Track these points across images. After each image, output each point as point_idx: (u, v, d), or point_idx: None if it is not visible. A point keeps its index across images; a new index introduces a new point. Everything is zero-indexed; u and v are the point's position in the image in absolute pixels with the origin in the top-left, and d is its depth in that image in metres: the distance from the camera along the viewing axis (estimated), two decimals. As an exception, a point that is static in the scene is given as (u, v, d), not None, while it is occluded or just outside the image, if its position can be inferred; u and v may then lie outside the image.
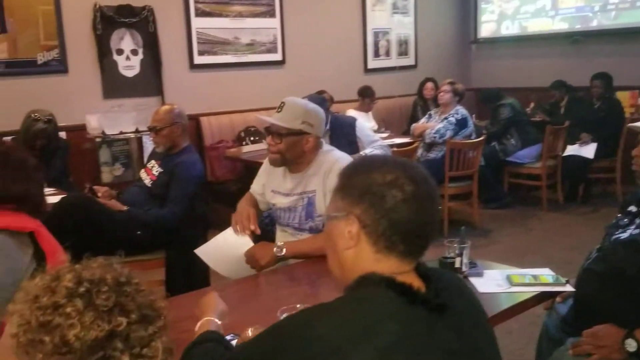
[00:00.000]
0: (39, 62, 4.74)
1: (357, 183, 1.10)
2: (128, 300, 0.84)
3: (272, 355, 1.00)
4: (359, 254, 1.08)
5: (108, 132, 4.84)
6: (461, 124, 5.08)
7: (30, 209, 1.68)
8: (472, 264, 2.03)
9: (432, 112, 5.53)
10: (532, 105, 6.51)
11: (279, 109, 2.31)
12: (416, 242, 1.08)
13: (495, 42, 7.53)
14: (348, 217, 1.09)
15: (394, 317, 0.98)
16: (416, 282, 1.06)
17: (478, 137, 5.14)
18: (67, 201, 2.89)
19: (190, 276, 3.09)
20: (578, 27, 6.75)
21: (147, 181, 3.28)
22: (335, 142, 4.01)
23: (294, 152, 2.31)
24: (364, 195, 1.07)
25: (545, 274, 2.00)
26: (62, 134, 4.49)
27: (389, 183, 1.06)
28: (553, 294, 1.98)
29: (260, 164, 2.60)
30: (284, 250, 2.23)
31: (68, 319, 0.79)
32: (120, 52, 5.11)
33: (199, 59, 5.50)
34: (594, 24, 6.65)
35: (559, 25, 6.92)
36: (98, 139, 4.82)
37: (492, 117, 5.95)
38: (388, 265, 1.06)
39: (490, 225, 5.15)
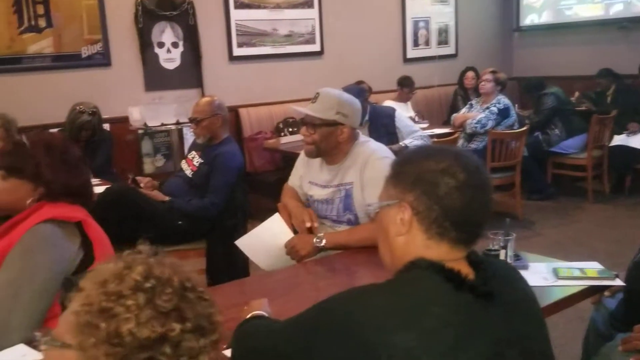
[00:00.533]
0: (83, 55, 4.84)
1: (409, 171, 1.11)
2: (188, 307, 0.83)
3: (317, 328, 1.03)
4: (411, 241, 1.10)
5: (150, 123, 4.92)
6: (503, 113, 4.98)
7: (83, 201, 1.71)
8: (517, 257, 1.98)
9: (473, 101, 5.43)
10: (576, 94, 6.32)
11: (314, 100, 2.31)
12: (468, 230, 1.09)
13: (538, 29, 7.34)
14: (400, 204, 1.10)
15: (439, 302, 0.99)
16: (465, 270, 1.05)
17: (521, 127, 5.03)
18: (111, 192, 2.95)
19: (231, 265, 3.12)
20: (625, 13, 6.51)
21: (188, 172, 3.32)
22: (375, 132, 3.98)
23: (328, 143, 2.30)
24: (417, 183, 1.08)
25: (593, 267, 1.94)
26: (106, 126, 4.58)
27: (441, 170, 1.07)
28: (601, 288, 1.92)
29: (298, 155, 2.60)
30: (324, 241, 2.22)
31: (127, 312, 0.79)
32: (161, 45, 5.17)
33: (238, 51, 5.53)
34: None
35: (605, 11, 6.69)
36: (140, 131, 4.90)
37: (536, 106, 5.81)
38: (439, 252, 1.07)
39: (533, 217, 5.04)
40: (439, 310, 0.97)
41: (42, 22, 4.64)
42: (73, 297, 0.84)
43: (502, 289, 1.06)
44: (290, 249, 2.25)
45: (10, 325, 1.48)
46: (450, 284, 1.01)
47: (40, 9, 4.62)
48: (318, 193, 2.42)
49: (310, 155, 2.37)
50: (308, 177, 2.47)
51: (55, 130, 4.05)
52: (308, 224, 2.31)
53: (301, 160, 2.54)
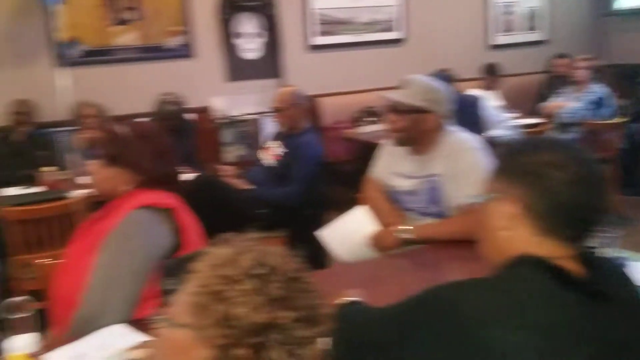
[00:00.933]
0: (167, 47, 4.96)
1: (518, 163, 1.07)
2: (297, 296, 0.84)
3: (418, 319, 1.02)
4: (516, 236, 1.05)
5: (230, 113, 4.98)
6: (598, 103, 4.69)
7: (174, 189, 1.76)
8: (619, 256, 1.82)
9: (565, 90, 5.14)
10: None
11: (403, 86, 2.26)
12: (579, 227, 1.03)
13: (637, 13, 6.84)
14: (507, 198, 1.06)
15: (546, 300, 0.96)
16: (575, 268, 1.01)
17: (617, 117, 4.71)
18: (197, 180, 3.01)
19: (310, 256, 3.10)
20: None
21: (269, 161, 3.34)
22: (459, 122, 3.84)
23: (416, 131, 2.23)
24: (526, 176, 1.04)
25: None
26: (189, 116, 4.68)
27: (553, 163, 1.02)
28: None
29: (377, 144, 2.54)
30: (412, 233, 2.14)
31: (239, 296, 0.80)
32: (242, 35, 5.23)
33: (317, 40, 5.51)
34: None
35: None
36: (221, 120, 4.98)
37: (634, 95, 5.43)
38: (547, 248, 1.02)
39: (630, 213, 4.71)
40: (545, 309, 0.94)
41: (129, 15, 4.79)
42: (187, 279, 0.86)
43: (615, 290, 1.02)
44: (375, 240, 2.20)
45: (109, 305, 1.55)
46: (558, 281, 0.97)
47: (128, 2, 4.76)
48: (402, 184, 2.34)
49: (397, 143, 2.31)
50: (391, 167, 2.41)
51: (145, 119, 4.16)
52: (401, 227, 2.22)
53: (384, 150, 2.48)
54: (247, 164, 4.17)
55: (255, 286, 0.81)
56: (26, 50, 4.47)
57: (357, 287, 1.55)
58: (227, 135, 5.09)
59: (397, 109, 2.24)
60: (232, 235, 0.92)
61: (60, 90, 4.41)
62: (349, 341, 1.19)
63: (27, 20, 4.44)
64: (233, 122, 5.03)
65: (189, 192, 1.79)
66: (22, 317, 1.28)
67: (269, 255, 0.86)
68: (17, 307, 1.29)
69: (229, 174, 3.34)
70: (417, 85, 2.25)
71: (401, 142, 2.30)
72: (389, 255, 2.16)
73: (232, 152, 5.10)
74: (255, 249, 0.87)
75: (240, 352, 0.79)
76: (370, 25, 5.73)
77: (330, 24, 5.56)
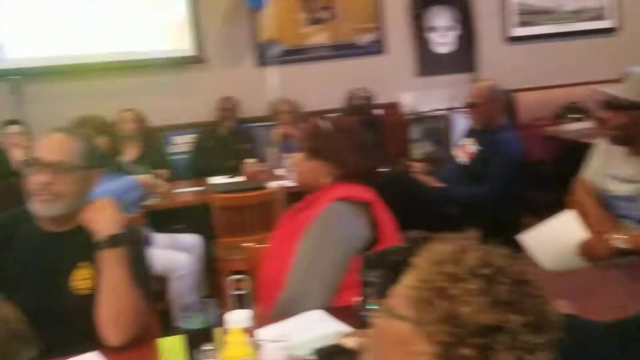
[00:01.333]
0: (359, 44, 5.04)
1: None
2: (525, 300, 0.79)
3: None
4: None
5: (420, 109, 4.92)
6: None
7: (371, 183, 1.80)
8: None
9: None
10: None
11: (624, 81, 2.07)
12: None
13: None
14: None
15: None
16: None
17: None
18: (390, 175, 3.02)
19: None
20: None
21: (463, 159, 3.23)
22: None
23: (637, 130, 2.02)
24: None
25: None
26: (377, 111, 4.72)
27: None
28: None
29: (584, 144, 2.32)
30: (628, 243, 1.93)
31: (464, 295, 0.77)
32: (435, 29, 5.15)
33: (516, 31, 5.24)
34: None
35: None
36: (410, 116, 4.94)
37: None
38: None
39: None
40: None
41: (323, 15, 4.96)
42: (407, 272, 0.85)
43: None
44: (585, 249, 2.02)
45: (310, 290, 1.62)
46: None
47: (322, 2, 4.93)
48: (619, 189, 2.13)
49: (615, 142, 2.12)
50: (606, 169, 2.20)
51: (336, 115, 4.29)
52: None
53: (598, 150, 2.28)
54: (436, 161, 4.08)
55: (481, 286, 0.78)
56: (232, 51, 4.87)
57: (565, 298, 1.43)
58: (415, 131, 5.04)
59: (615, 105, 2.05)
60: (422, 233, 0.91)
61: (262, 88, 4.73)
62: (569, 355, 1.10)
63: (234, 24, 4.83)
64: (422, 118, 4.97)
65: (379, 187, 1.80)
66: (239, 294, 1.37)
67: (495, 256, 0.81)
68: (235, 285, 1.39)
69: (419, 171, 3.29)
70: (639, 79, 2.04)
71: (618, 142, 2.10)
72: (601, 265, 1.98)
73: (420, 149, 5.03)
74: (480, 248, 0.83)
75: (465, 351, 0.76)
76: (577, 14, 5.30)
77: (531, 14, 5.24)
